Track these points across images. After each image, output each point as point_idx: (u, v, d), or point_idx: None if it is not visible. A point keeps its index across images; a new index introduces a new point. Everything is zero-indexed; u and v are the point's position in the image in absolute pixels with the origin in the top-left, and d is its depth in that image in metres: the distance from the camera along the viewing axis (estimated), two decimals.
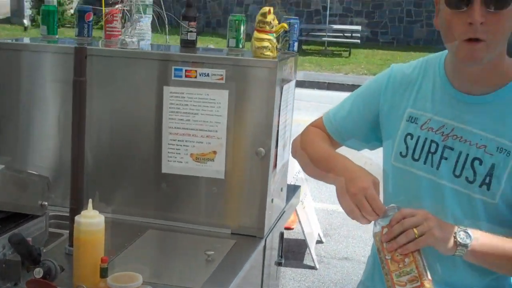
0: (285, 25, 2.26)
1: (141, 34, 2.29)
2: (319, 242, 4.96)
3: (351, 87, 10.90)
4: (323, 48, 16.65)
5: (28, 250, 1.58)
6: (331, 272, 4.51)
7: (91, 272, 1.56)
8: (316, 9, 18.86)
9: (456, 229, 1.44)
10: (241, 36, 2.28)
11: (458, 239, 1.42)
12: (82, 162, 1.87)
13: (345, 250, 4.91)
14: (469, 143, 1.49)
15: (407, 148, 1.59)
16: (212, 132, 2.16)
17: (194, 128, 2.17)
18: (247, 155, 2.18)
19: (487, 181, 1.46)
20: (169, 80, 2.15)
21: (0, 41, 2.43)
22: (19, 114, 2.32)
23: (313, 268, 4.51)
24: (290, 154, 2.05)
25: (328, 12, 17.02)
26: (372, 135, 1.73)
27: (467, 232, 1.43)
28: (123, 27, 2.33)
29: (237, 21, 2.26)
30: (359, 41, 16.59)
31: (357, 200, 1.44)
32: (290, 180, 3.91)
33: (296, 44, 2.46)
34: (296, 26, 2.44)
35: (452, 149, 1.52)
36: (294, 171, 4.30)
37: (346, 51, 16.43)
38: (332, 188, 1.58)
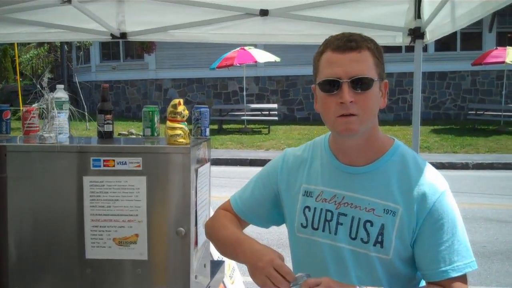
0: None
1: (59, 128, 2.39)
2: None
3: None
4: (243, 126, 17.05)
5: None
6: None
7: None
8: (234, 90, 19.45)
9: None
10: (156, 125, 2.44)
11: None
12: (6, 256, 1.91)
13: None
14: (359, 208, 1.69)
15: (306, 219, 1.77)
16: (133, 216, 2.28)
17: (115, 214, 2.27)
18: (168, 235, 2.30)
19: (379, 239, 1.65)
20: (88, 170, 2.27)
21: None
22: None
23: None
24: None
25: (245, 93, 17.60)
26: (274, 212, 1.90)
27: None
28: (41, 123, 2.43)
29: (150, 112, 2.43)
30: (277, 118, 17.14)
31: (267, 272, 1.57)
32: (218, 256, 3.99)
33: (207, 129, 2.64)
34: (206, 113, 2.62)
35: (345, 215, 1.70)
36: None
37: (266, 128, 16.90)
38: None
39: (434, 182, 1.66)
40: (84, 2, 3.11)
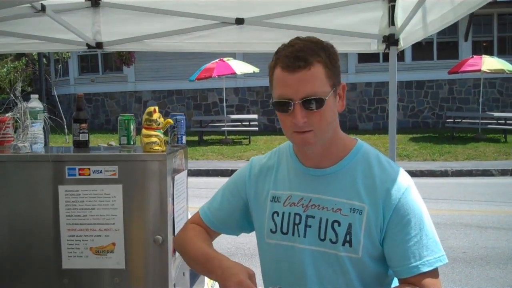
0: (170, 120, 2.45)
1: (34, 138, 2.38)
2: None
3: None
4: (224, 137, 17.04)
5: None
6: None
7: None
8: (214, 101, 19.47)
9: None
10: (131, 133, 2.44)
11: None
12: None
13: None
14: (326, 209, 1.70)
15: (275, 224, 1.78)
16: (109, 225, 2.26)
17: (92, 223, 2.26)
18: (146, 243, 2.29)
19: (347, 239, 1.67)
20: (64, 179, 2.26)
21: None
22: None
23: None
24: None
25: (225, 104, 17.63)
26: (244, 221, 1.91)
27: None
28: (15, 132, 2.41)
29: (126, 121, 2.43)
30: (257, 128, 17.18)
31: None
32: None
33: (184, 137, 2.64)
34: (182, 121, 2.62)
35: (313, 217, 1.72)
36: None
37: (246, 138, 16.91)
38: None
39: (397, 179, 1.68)
40: (59, 12, 3.10)
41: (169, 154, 2.32)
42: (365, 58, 17.89)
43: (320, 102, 1.59)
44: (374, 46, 3.54)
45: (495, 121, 16.26)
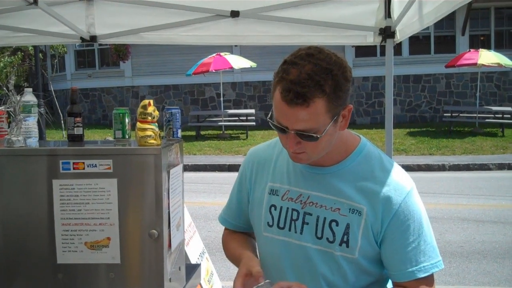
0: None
1: (28, 132, 2.35)
2: None
3: None
4: (221, 132, 17.03)
5: None
6: None
7: None
8: (211, 96, 19.44)
9: None
10: (126, 127, 2.41)
11: None
12: None
13: None
14: (324, 208, 1.68)
15: (272, 218, 1.76)
16: (104, 219, 2.24)
17: (86, 217, 2.24)
18: (141, 238, 2.26)
19: (345, 239, 1.65)
20: (58, 173, 2.24)
21: None
22: None
23: None
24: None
25: (222, 99, 17.59)
26: None
27: None
28: (9, 126, 2.39)
29: (121, 114, 2.40)
30: (254, 123, 17.17)
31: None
32: (196, 260, 3.98)
33: (179, 131, 2.60)
34: (177, 114, 2.58)
35: (311, 214, 1.70)
36: (199, 251, 4.36)
37: (243, 133, 16.90)
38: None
39: (399, 182, 1.66)
40: (52, 5, 3.07)
41: (164, 148, 2.30)
42: (362, 52, 17.87)
43: (315, 138, 1.54)
44: (371, 39, 3.52)
45: (492, 115, 16.28)
